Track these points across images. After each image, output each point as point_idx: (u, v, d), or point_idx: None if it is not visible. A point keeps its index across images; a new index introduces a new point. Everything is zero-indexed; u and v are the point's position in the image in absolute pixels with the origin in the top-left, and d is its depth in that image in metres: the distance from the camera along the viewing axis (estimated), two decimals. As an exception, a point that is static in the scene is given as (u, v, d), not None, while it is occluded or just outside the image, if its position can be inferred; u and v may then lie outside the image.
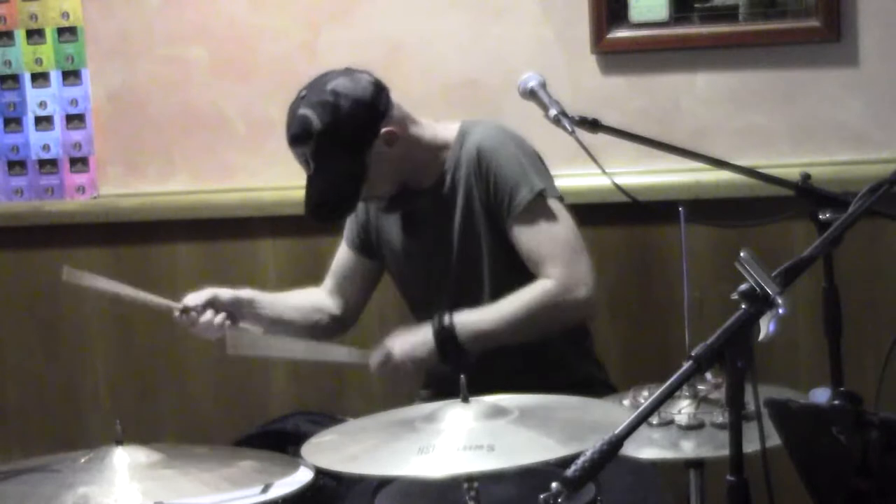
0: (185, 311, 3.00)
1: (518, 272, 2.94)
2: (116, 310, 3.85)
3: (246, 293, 3.08)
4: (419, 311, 3.10)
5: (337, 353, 3.06)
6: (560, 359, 3.01)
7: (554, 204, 2.94)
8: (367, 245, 3.16)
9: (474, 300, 2.96)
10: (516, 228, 2.93)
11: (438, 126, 3.05)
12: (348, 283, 3.21)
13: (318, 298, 3.22)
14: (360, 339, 3.25)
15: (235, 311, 3.04)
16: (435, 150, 3.01)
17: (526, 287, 2.90)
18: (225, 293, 3.04)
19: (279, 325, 3.12)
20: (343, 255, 3.21)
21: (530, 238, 2.92)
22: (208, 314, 3.00)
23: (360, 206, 3.09)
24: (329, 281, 3.23)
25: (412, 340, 2.93)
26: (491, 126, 3.02)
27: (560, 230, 2.92)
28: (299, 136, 2.90)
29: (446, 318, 2.89)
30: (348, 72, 2.95)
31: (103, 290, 3.02)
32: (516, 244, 2.93)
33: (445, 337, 2.89)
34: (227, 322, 3.00)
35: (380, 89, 2.94)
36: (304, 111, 2.89)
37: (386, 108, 2.93)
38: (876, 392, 2.30)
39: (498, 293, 2.95)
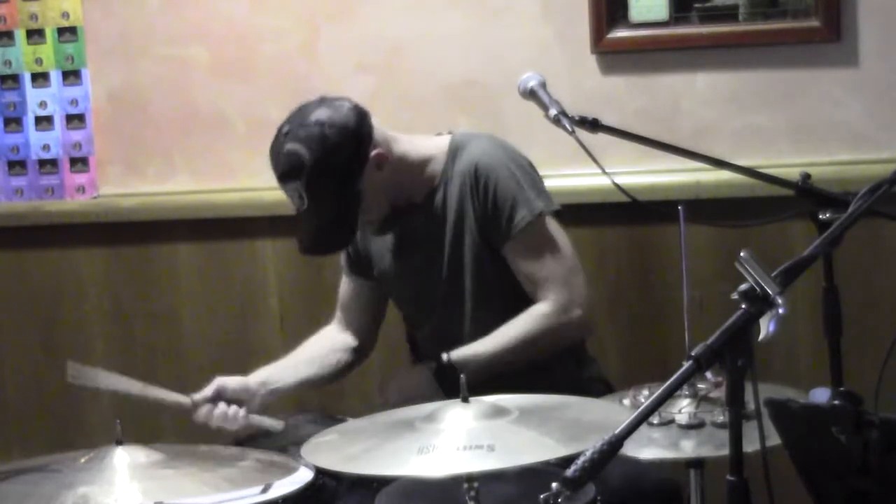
0: (195, 405, 2.91)
1: (501, 288, 2.94)
2: (116, 310, 3.85)
3: (257, 378, 2.99)
4: (414, 326, 3.12)
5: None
6: (554, 364, 3.00)
7: (551, 224, 2.94)
8: (361, 266, 3.14)
9: (458, 314, 2.97)
10: (514, 249, 2.93)
11: (420, 140, 3.02)
12: (356, 309, 3.19)
13: (331, 339, 3.18)
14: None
15: (248, 398, 2.93)
16: (422, 166, 2.99)
17: (523, 313, 2.91)
18: (232, 382, 2.94)
19: (303, 388, 3.10)
20: (344, 283, 3.20)
21: (527, 260, 2.92)
22: (221, 406, 2.91)
23: None
24: (339, 314, 3.21)
25: (412, 390, 2.89)
26: (486, 140, 2.99)
27: (557, 252, 2.93)
28: (290, 172, 2.85)
29: (445, 358, 2.88)
30: (326, 101, 2.90)
31: (110, 389, 2.89)
32: (512, 265, 2.94)
33: (447, 376, 2.88)
34: (243, 412, 2.90)
35: (362, 114, 2.90)
36: (291, 146, 2.84)
37: (370, 132, 2.89)
38: (875, 391, 2.30)
39: (479, 308, 2.95)
